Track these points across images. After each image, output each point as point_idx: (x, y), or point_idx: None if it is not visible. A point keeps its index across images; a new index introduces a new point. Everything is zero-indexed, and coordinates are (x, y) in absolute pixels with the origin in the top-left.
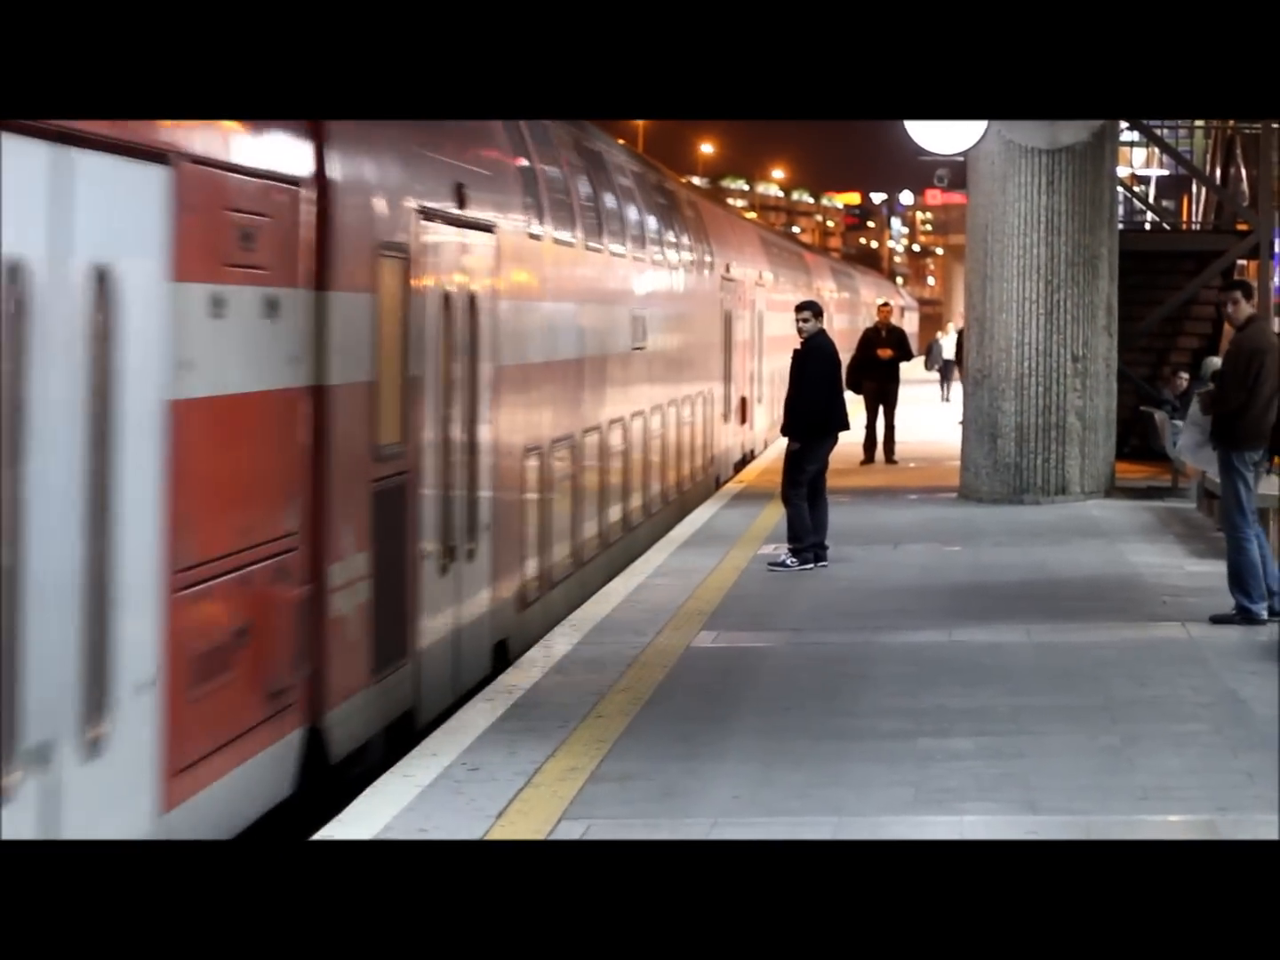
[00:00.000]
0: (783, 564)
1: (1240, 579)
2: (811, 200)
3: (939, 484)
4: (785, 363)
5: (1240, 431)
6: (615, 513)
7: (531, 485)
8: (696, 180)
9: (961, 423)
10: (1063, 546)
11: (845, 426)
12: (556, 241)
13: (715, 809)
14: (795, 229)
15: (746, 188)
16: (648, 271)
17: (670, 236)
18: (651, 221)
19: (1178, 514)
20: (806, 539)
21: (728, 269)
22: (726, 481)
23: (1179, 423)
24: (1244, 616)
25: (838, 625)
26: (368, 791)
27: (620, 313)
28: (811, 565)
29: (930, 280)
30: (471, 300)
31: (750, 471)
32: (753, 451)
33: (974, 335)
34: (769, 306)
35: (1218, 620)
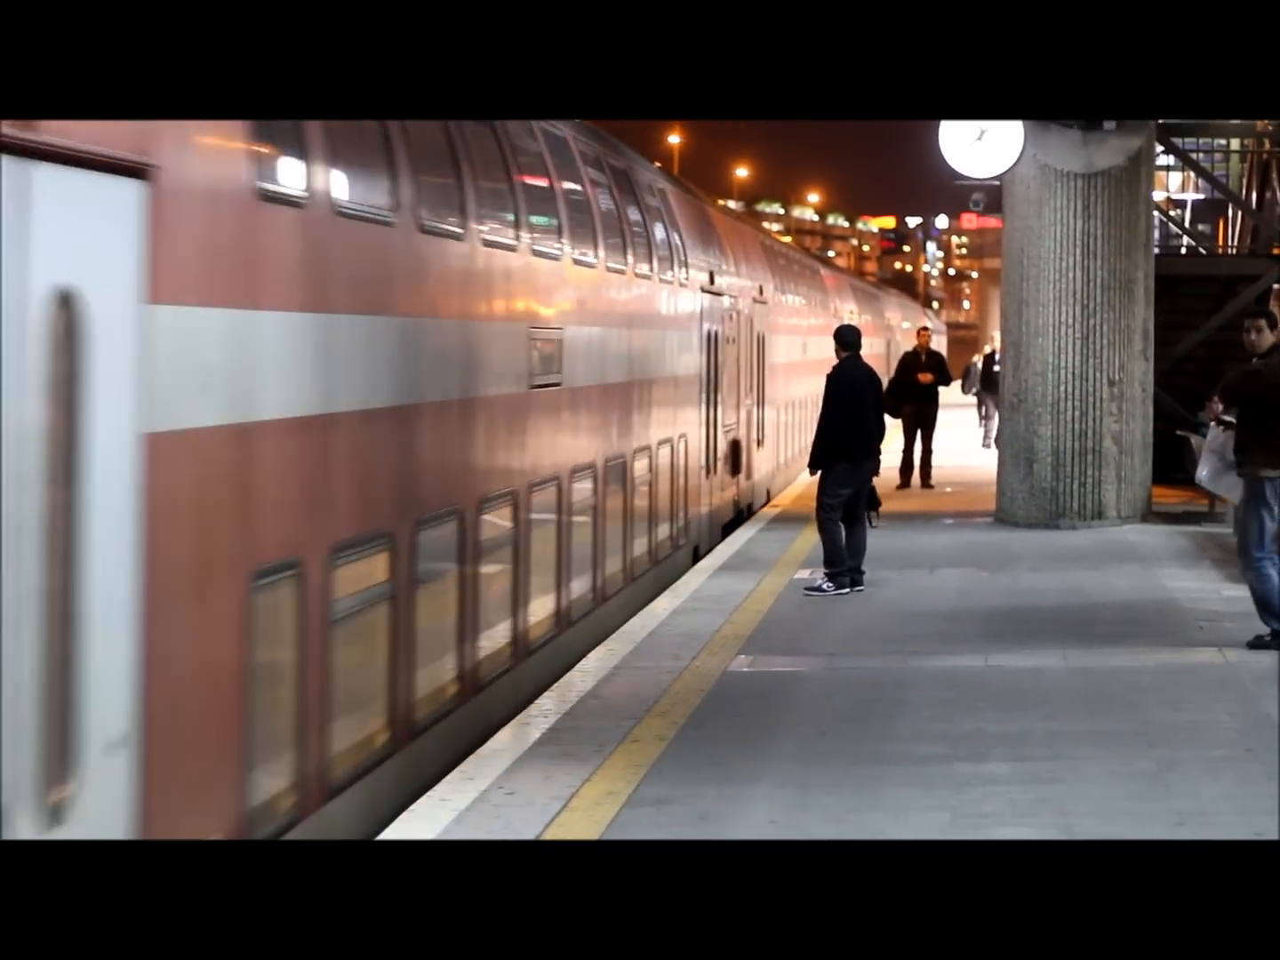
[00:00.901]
0: (819, 588)
1: (1269, 605)
2: (847, 224)
3: (975, 508)
4: (797, 395)
5: (1267, 452)
6: (496, 636)
7: (275, 633)
8: (731, 204)
9: (984, 444)
10: (1099, 571)
11: (868, 454)
12: (343, 214)
13: (752, 833)
14: (830, 253)
15: (782, 211)
16: (565, 277)
17: (611, 230)
18: (576, 206)
19: (1214, 539)
20: (842, 563)
21: (711, 279)
22: (709, 552)
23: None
24: None
25: (874, 649)
26: (404, 816)
27: (502, 333)
28: (847, 590)
29: (965, 304)
30: (65, 307)
31: (786, 496)
32: (750, 507)
33: (1010, 359)
34: (774, 329)
35: (1254, 645)
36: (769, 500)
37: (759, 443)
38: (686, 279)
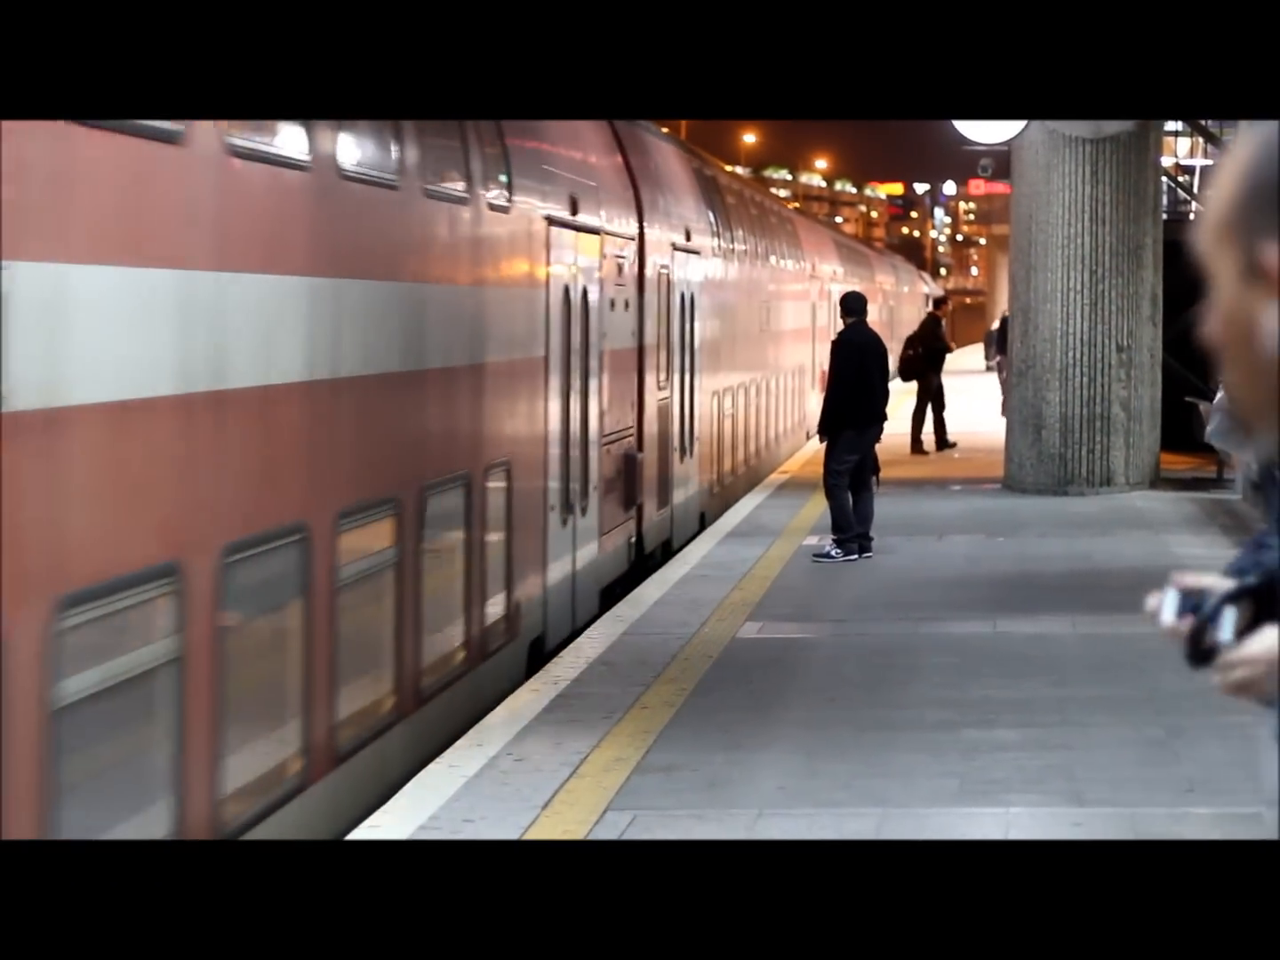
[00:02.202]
0: (827, 555)
1: None
2: (854, 190)
3: (983, 475)
4: (755, 377)
5: None
6: None
7: None
8: (739, 169)
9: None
10: (1107, 538)
11: (875, 420)
12: None
13: (760, 800)
14: (839, 219)
15: (789, 177)
16: (78, 163)
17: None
18: None
19: (1223, 505)
20: (850, 530)
21: (574, 208)
22: (568, 643)
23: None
24: None
25: (882, 616)
26: (412, 783)
27: None
28: (856, 556)
29: (974, 270)
30: None
31: (794, 463)
32: (668, 544)
33: (1018, 325)
34: (714, 290)
35: None
36: (704, 527)
37: (683, 452)
38: (510, 201)
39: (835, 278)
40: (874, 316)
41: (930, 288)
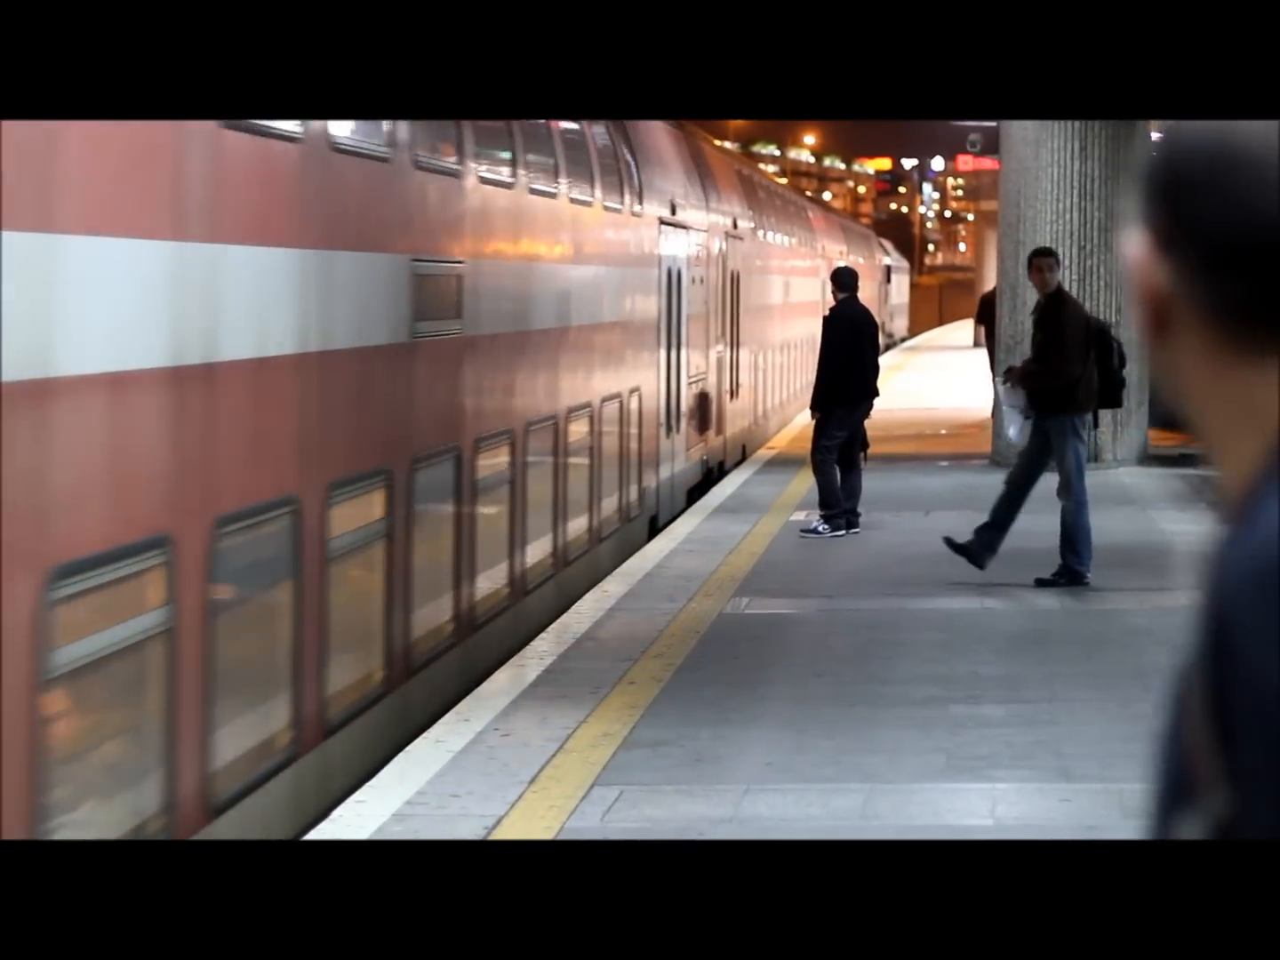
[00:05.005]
0: (815, 530)
1: (1074, 542)
2: (843, 166)
3: (971, 450)
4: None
5: (1081, 394)
6: None
7: None
8: (728, 144)
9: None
10: (1095, 514)
11: (865, 396)
12: None
13: (747, 775)
14: (826, 195)
15: (778, 153)
16: None
17: None
18: None
19: (1210, 481)
20: (838, 505)
21: None
22: None
23: None
24: (1071, 578)
25: (870, 592)
26: (400, 757)
27: None
28: (844, 532)
29: (962, 246)
30: None
31: (782, 438)
32: None
33: (1007, 301)
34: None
35: (1042, 583)
36: None
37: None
38: None
39: (737, 234)
40: (819, 292)
41: (892, 259)
